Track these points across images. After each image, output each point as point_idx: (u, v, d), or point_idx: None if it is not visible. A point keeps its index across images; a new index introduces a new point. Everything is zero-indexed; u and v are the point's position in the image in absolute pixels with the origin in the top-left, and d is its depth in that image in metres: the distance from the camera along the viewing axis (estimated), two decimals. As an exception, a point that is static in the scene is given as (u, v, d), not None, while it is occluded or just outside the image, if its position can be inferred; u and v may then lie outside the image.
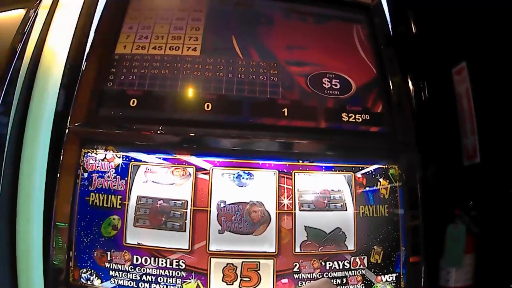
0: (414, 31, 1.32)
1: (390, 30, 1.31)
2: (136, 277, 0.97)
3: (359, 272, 1.05)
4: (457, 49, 1.27)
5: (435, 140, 1.23)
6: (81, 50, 1.13)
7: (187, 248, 0.99)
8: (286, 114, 1.09)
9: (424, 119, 1.23)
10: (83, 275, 0.98)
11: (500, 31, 1.14)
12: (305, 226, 1.04)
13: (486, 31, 1.17)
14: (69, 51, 1.10)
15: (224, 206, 1.02)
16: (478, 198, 1.19)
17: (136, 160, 1.03)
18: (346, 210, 1.07)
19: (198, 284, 0.98)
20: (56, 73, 1.07)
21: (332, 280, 1.02)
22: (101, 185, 1.01)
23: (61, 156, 1.01)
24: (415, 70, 1.28)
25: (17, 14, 1.15)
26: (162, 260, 0.98)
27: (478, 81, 1.21)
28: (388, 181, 1.11)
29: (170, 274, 0.98)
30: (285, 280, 1.01)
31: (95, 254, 0.98)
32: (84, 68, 1.10)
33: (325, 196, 1.06)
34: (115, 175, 1.01)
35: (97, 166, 1.02)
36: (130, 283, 0.97)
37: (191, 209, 1.00)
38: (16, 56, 1.06)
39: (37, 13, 1.13)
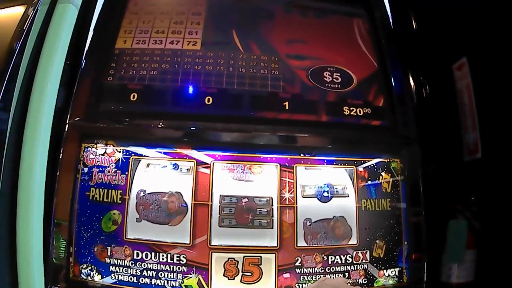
0: (415, 26, 1.31)
1: (391, 24, 1.31)
2: (136, 272, 0.97)
3: (361, 267, 1.04)
4: (457, 45, 1.27)
5: (436, 136, 1.22)
6: (81, 45, 1.13)
7: (188, 242, 0.98)
8: (287, 107, 1.09)
9: (425, 115, 1.23)
10: (83, 270, 0.97)
11: (500, 27, 1.14)
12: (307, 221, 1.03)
13: (486, 27, 1.17)
14: (69, 47, 1.09)
15: (225, 201, 1.01)
16: (480, 193, 1.18)
17: (136, 154, 1.02)
18: (348, 203, 1.06)
19: (199, 279, 0.97)
20: (56, 69, 1.06)
21: (335, 275, 1.02)
22: (101, 180, 1.00)
23: (61, 151, 1.00)
24: (416, 65, 1.28)
25: (17, 10, 1.14)
26: (162, 255, 0.97)
27: (478, 77, 1.20)
28: (390, 175, 1.10)
29: (171, 269, 0.97)
30: (287, 275, 1.00)
31: (96, 250, 0.97)
32: (84, 63, 1.10)
33: (327, 190, 1.06)
34: (116, 169, 1.01)
35: (97, 161, 1.01)
36: (131, 279, 0.97)
37: (191, 203, 1.00)
38: (16, 52, 1.05)
39: (37, 10, 1.12)
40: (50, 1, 1.15)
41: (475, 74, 1.21)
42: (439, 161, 1.21)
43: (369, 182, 1.08)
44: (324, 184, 1.06)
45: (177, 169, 1.02)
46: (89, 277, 0.97)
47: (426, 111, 1.24)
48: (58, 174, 0.99)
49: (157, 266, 0.97)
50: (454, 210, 1.18)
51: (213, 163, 1.03)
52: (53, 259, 0.96)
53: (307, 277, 1.01)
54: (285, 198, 1.03)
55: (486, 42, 1.18)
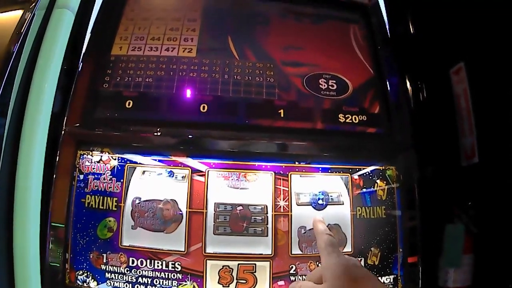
0: (411, 31, 1.31)
1: (388, 30, 1.30)
2: (132, 279, 0.97)
3: (356, 274, 1.04)
4: (455, 49, 1.26)
5: (433, 140, 1.22)
6: (77, 51, 1.13)
7: (183, 250, 0.98)
8: (282, 115, 1.09)
9: (422, 120, 1.22)
10: (79, 277, 0.98)
11: (498, 31, 1.13)
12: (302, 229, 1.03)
13: (484, 31, 1.17)
14: (66, 52, 1.09)
15: (220, 208, 1.01)
16: (477, 198, 1.18)
17: (131, 162, 1.02)
18: (343, 211, 1.06)
19: (194, 286, 0.98)
20: (52, 74, 1.06)
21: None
22: (96, 187, 1.00)
23: (57, 158, 1.01)
24: (413, 70, 1.27)
25: (14, 15, 1.14)
26: (158, 262, 0.98)
27: (476, 81, 1.20)
28: (385, 182, 1.10)
29: (166, 276, 0.97)
30: (281, 282, 1.00)
31: (91, 256, 0.98)
32: (80, 70, 1.10)
33: (321, 198, 1.06)
34: (111, 177, 1.01)
35: (93, 168, 1.02)
36: (126, 285, 0.97)
37: (186, 211, 1.00)
38: (13, 57, 1.05)
39: (34, 14, 1.12)
40: (47, 6, 1.14)
41: (472, 78, 1.21)
42: (436, 165, 1.21)
43: (364, 190, 1.08)
44: (319, 192, 1.06)
45: (172, 176, 1.02)
46: (85, 283, 0.97)
47: (423, 116, 1.24)
48: (54, 180, 0.99)
49: (152, 273, 0.97)
50: (451, 214, 1.18)
51: (208, 171, 1.03)
52: (50, 265, 0.97)
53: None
54: (280, 206, 1.03)
55: (483, 47, 1.18)
